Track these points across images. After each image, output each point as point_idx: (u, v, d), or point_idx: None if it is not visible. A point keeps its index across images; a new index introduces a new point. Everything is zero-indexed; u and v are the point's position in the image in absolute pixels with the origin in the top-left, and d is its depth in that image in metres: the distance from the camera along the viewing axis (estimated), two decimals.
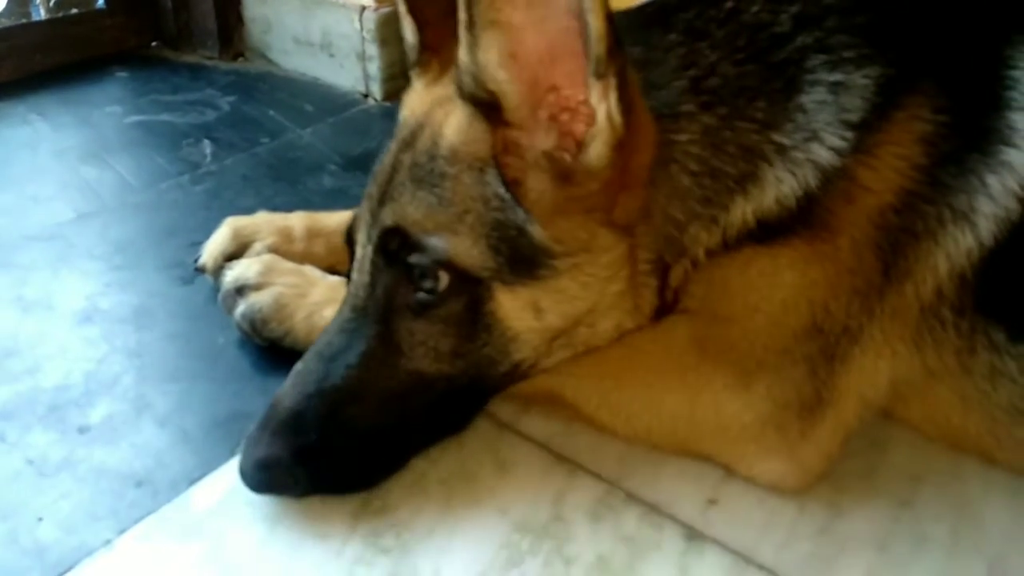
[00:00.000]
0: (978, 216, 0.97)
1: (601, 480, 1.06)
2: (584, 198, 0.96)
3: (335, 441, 0.97)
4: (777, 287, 1.02)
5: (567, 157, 0.93)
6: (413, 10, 1.07)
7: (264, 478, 0.97)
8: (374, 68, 2.11)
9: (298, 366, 1.00)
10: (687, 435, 1.05)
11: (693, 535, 0.99)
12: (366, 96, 2.16)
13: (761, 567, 0.96)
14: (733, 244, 1.04)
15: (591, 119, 0.92)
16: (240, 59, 2.34)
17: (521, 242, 0.95)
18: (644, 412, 1.06)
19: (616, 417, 1.08)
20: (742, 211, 1.02)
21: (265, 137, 1.92)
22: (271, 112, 2.04)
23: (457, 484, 1.05)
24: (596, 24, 0.82)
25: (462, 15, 0.86)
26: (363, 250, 1.02)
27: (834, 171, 0.99)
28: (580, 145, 0.93)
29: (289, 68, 2.28)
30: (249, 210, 1.56)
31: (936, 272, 0.99)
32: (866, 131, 1.00)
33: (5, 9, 2.15)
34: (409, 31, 1.09)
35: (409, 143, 1.01)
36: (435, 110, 1.01)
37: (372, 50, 2.09)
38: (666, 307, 1.10)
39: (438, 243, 0.95)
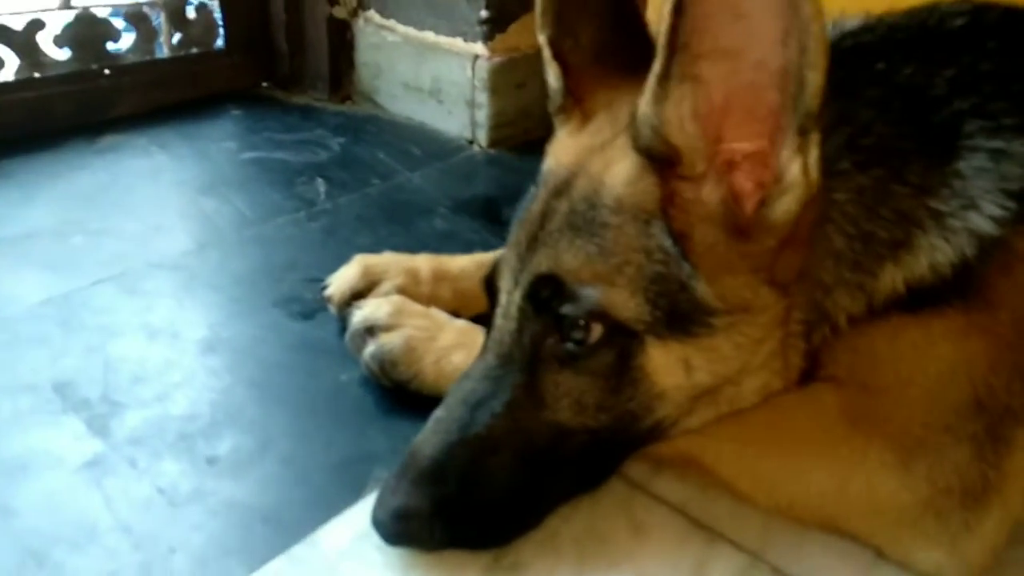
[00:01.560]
0: None
1: (743, 551, 1.01)
2: (756, 256, 0.93)
3: (475, 493, 0.94)
4: (932, 359, 0.96)
5: (742, 213, 0.91)
6: (558, 55, 1.06)
7: (401, 529, 0.94)
8: (482, 116, 2.13)
9: (439, 413, 0.98)
10: (835, 512, 0.99)
11: None
12: (471, 143, 2.17)
13: None
14: (878, 312, 0.99)
15: (760, 174, 0.90)
16: (348, 102, 2.39)
17: (681, 297, 0.92)
18: (789, 483, 1.01)
19: (758, 487, 1.03)
20: (892, 278, 0.98)
21: (376, 178, 1.94)
22: (380, 154, 2.07)
23: (590, 545, 1.01)
24: (816, 80, 0.80)
25: (657, 67, 0.84)
26: (509, 296, 0.99)
27: (992, 241, 0.95)
28: (762, 201, 0.90)
29: (396, 112, 2.31)
30: (365, 248, 1.57)
31: None
32: None
33: (131, 46, 2.23)
34: (553, 76, 1.07)
35: (562, 191, 0.99)
36: (590, 158, 0.99)
37: (482, 98, 2.11)
38: (807, 373, 1.05)
39: (594, 293, 0.92)
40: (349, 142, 2.13)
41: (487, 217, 1.80)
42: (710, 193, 0.91)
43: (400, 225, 1.74)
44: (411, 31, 2.24)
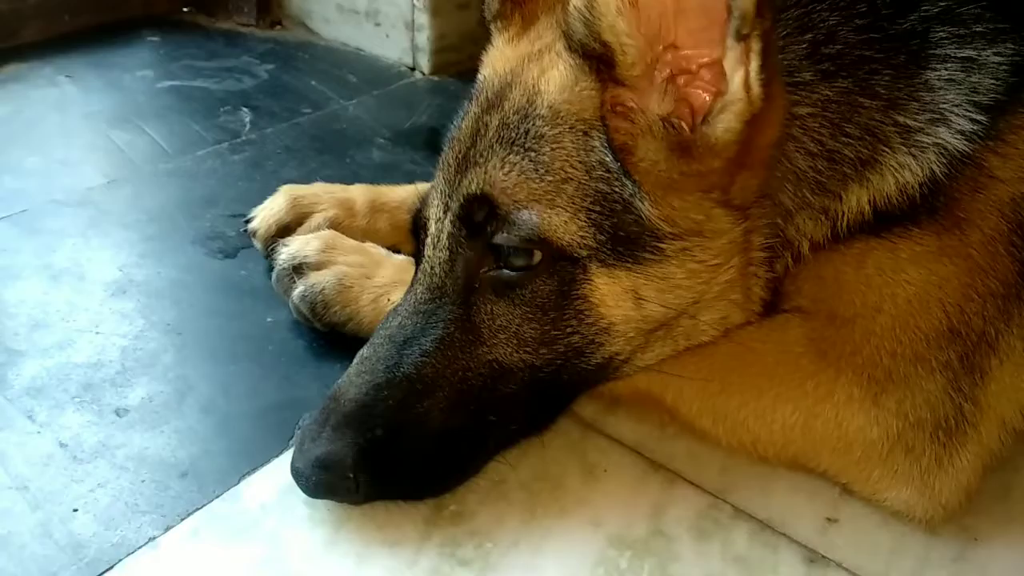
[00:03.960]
0: None
1: (704, 492, 0.94)
2: (702, 175, 0.84)
3: (405, 439, 0.85)
4: (901, 284, 0.90)
5: (686, 127, 0.82)
6: None
7: (323, 480, 0.84)
8: (423, 39, 1.99)
9: (364, 351, 0.88)
10: (801, 449, 0.93)
11: (814, 558, 0.88)
12: (413, 69, 2.03)
13: None
14: (843, 237, 0.92)
15: (717, 86, 0.80)
16: (278, 27, 2.22)
17: (626, 219, 0.84)
18: (753, 420, 0.94)
19: (720, 424, 0.95)
20: (857, 200, 0.91)
21: (307, 107, 1.80)
22: (312, 82, 1.92)
23: (541, 490, 0.93)
24: None
25: None
26: (439, 224, 0.90)
27: (962, 157, 0.89)
28: (704, 115, 0.81)
29: (330, 38, 2.15)
30: (293, 181, 1.44)
31: None
32: (998, 114, 0.89)
33: None
34: None
35: (495, 104, 0.89)
36: (526, 66, 0.90)
37: (422, 20, 1.97)
38: (771, 305, 0.98)
39: (531, 217, 0.83)
40: (278, 69, 1.98)
41: (430, 148, 1.67)
42: (656, 104, 0.82)
43: (333, 156, 1.62)
44: None
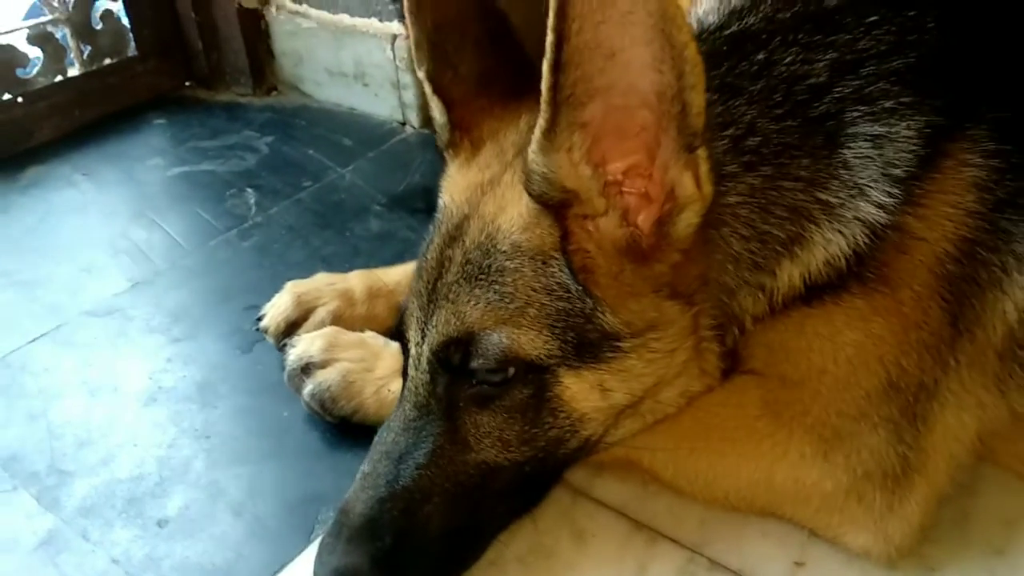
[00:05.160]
0: None
1: (682, 547, 1.04)
2: (659, 275, 0.93)
3: (412, 543, 0.95)
4: (840, 347, 0.98)
5: (642, 236, 0.90)
6: (439, 90, 1.03)
7: None
8: (409, 96, 2.09)
9: (365, 467, 0.99)
10: (767, 502, 1.03)
11: None
12: (403, 124, 2.13)
13: None
14: (779, 309, 1.00)
15: (657, 192, 0.89)
16: (274, 93, 2.33)
17: (587, 328, 0.93)
18: (721, 479, 1.04)
19: (694, 484, 1.06)
20: (788, 275, 0.99)
21: (307, 180, 1.91)
22: (310, 151, 2.03)
23: (535, 561, 1.04)
24: (697, 101, 0.79)
25: (542, 121, 0.82)
26: (417, 348, 0.99)
27: (884, 226, 0.95)
28: (661, 219, 0.90)
29: (323, 99, 2.26)
30: (299, 263, 1.58)
31: (1005, 318, 0.96)
32: (914, 183, 0.95)
33: (41, 68, 2.15)
34: (437, 111, 1.05)
35: (456, 237, 0.97)
36: (482, 200, 0.97)
37: (406, 78, 2.06)
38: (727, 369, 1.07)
39: (500, 339, 0.92)
40: (278, 140, 2.09)
41: (425, 211, 1.77)
42: (607, 223, 0.91)
43: (334, 231, 1.73)
44: (324, 15, 2.17)
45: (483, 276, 0.93)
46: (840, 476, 0.97)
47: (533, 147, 0.85)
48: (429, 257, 1.00)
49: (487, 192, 0.97)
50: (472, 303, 0.93)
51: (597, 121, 0.83)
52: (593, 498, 1.11)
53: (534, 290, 0.92)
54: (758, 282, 0.99)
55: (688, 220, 0.90)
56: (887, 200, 0.95)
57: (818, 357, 0.99)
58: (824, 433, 0.98)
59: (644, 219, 0.91)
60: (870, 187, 0.96)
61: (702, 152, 0.85)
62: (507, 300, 0.92)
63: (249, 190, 1.88)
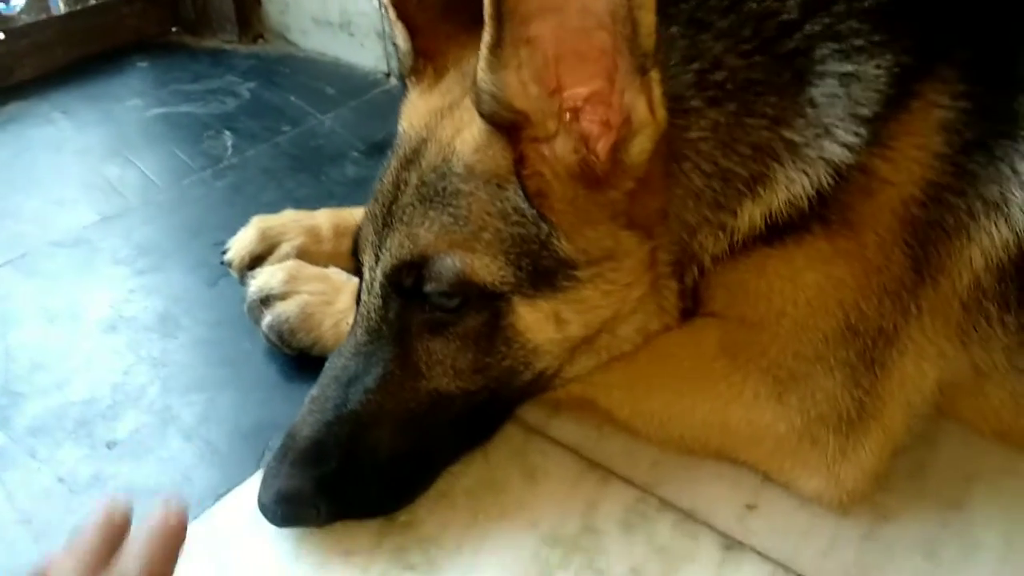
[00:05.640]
0: (1012, 206, 0.91)
1: (634, 486, 1.03)
2: (614, 203, 0.91)
3: (358, 468, 0.94)
4: (800, 289, 0.96)
5: (597, 160, 0.88)
6: (403, 16, 1.01)
7: (286, 511, 0.94)
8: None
9: (313, 391, 0.97)
10: (721, 444, 1.01)
11: (731, 544, 0.96)
12: (388, 75, 2.10)
13: None
14: (739, 249, 0.98)
15: (611, 117, 0.87)
16: (260, 41, 2.30)
17: (543, 255, 0.91)
18: (676, 420, 1.02)
19: (649, 424, 1.04)
20: (750, 215, 0.97)
21: (286, 125, 1.89)
22: (292, 98, 2.00)
23: (485, 495, 1.03)
24: (647, 20, 0.78)
25: (487, 36, 0.80)
26: (371, 272, 0.97)
27: (849, 167, 0.94)
28: (614, 144, 0.88)
29: (309, 49, 2.23)
30: (272, 204, 1.54)
31: (971, 266, 0.94)
32: (881, 123, 0.94)
33: (25, 5, 2.12)
34: (401, 38, 1.03)
35: (412, 160, 0.96)
36: (439, 123, 0.96)
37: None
38: (688, 310, 1.05)
39: (454, 263, 0.90)
40: (260, 87, 2.06)
41: None
42: (562, 147, 0.89)
43: (309, 174, 1.71)
44: None
45: (438, 198, 0.91)
46: (794, 418, 0.96)
47: (481, 64, 0.83)
48: (385, 181, 0.98)
49: (445, 116, 0.95)
50: (426, 225, 0.91)
51: (548, 40, 0.81)
52: (547, 436, 1.10)
53: (489, 214, 0.90)
54: (719, 221, 0.97)
55: (641, 146, 0.88)
56: (853, 140, 0.93)
57: (777, 298, 0.97)
58: (779, 375, 0.96)
59: (603, 146, 0.89)
60: (836, 126, 0.94)
61: (654, 75, 0.83)
62: (461, 223, 0.90)
63: (227, 132, 1.86)
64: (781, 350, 0.97)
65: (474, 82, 0.87)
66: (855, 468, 0.95)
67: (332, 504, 0.94)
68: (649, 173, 0.91)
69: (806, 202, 0.94)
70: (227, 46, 2.28)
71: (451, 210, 0.91)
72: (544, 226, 0.90)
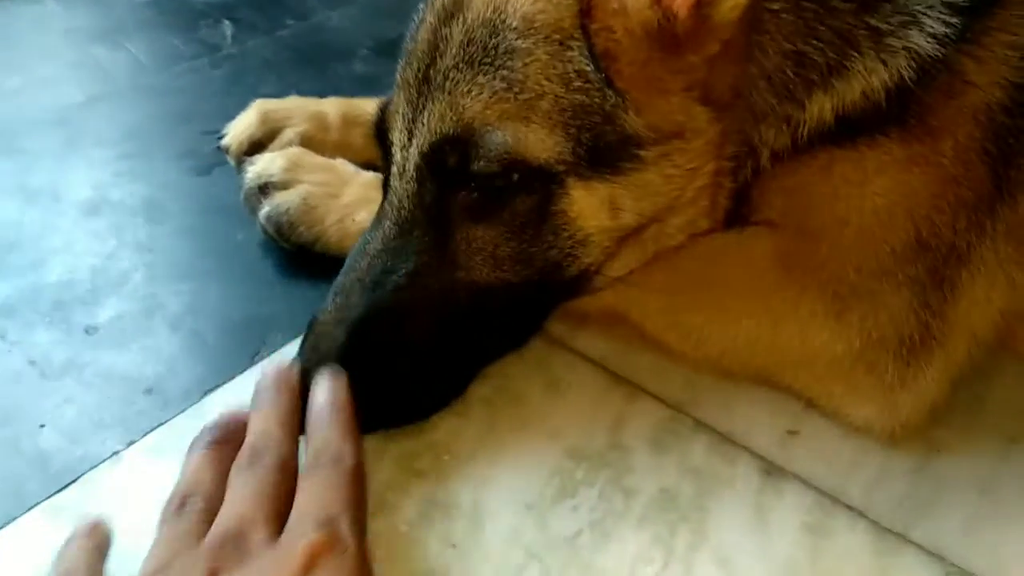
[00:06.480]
0: None
1: (665, 405, 0.94)
2: (692, 69, 0.81)
3: (391, 373, 0.84)
4: (868, 196, 0.86)
5: (677, 17, 0.77)
6: None
7: None
8: None
9: (337, 299, 0.86)
10: (766, 363, 0.92)
11: (771, 470, 0.87)
12: None
13: (849, 508, 0.84)
14: (803, 146, 0.88)
15: None
16: None
17: (606, 130, 0.80)
18: (719, 335, 0.92)
19: (686, 340, 0.94)
20: (819, 108, 0.86)
21: (290, 19, 1.75)
22: None
23: (503, 404, 0.93)
24: None
25: None
26: (403, 152, 0.86)
27: (934, 62, 0.83)
28: (701, 2, 0.77)
29: None
30: (271, 96, 1.42)
31: None
32: (974, 15, 0.83)
33: None
34: None
35: (453, 12, 0.83)
36: None
37: None
38: (734, 215, 0.95)
39: (505, 138, 0.79)
40: None
41: None
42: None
43: (314, 69, 1.58)
44: None
45: (488, 59, 0.80)
46: (853, 338, 0.86)
47: None
48: (420, 39, 0.86)
49: None
50: (474, 92, 0.80)
51: None
52: (572, 349, 1.00)
53: (548, 79, 0.79)
54: (785, 112, 0.87)
55: (734, 1, 0.77)
56: (942, 30, 0.83)
57: (842, 206, 0.87)
58: (840, 290, 0.87)
59: (681, 2, 0.78)
60: (926, 15, 0.83)
61: None
62: (516, 89, 0.79)
63: (226, 22, 1.72)
64: (843, 263, 0.87)
65: None
66: (913, 397, 0.87)
67: (365, 413, 0.83)
68: (734, 38, 0.81)
69: (883, 97, 0.84)
70: None
71: (504, 73, 0.79)
72: (611, 94, 0.80)
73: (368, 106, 1.27)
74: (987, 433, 0.92)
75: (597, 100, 0.80)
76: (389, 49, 1.63)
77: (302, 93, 1.46)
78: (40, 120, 1.40)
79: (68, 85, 1.50)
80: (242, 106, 1.32)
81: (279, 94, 1.44)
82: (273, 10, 1.78)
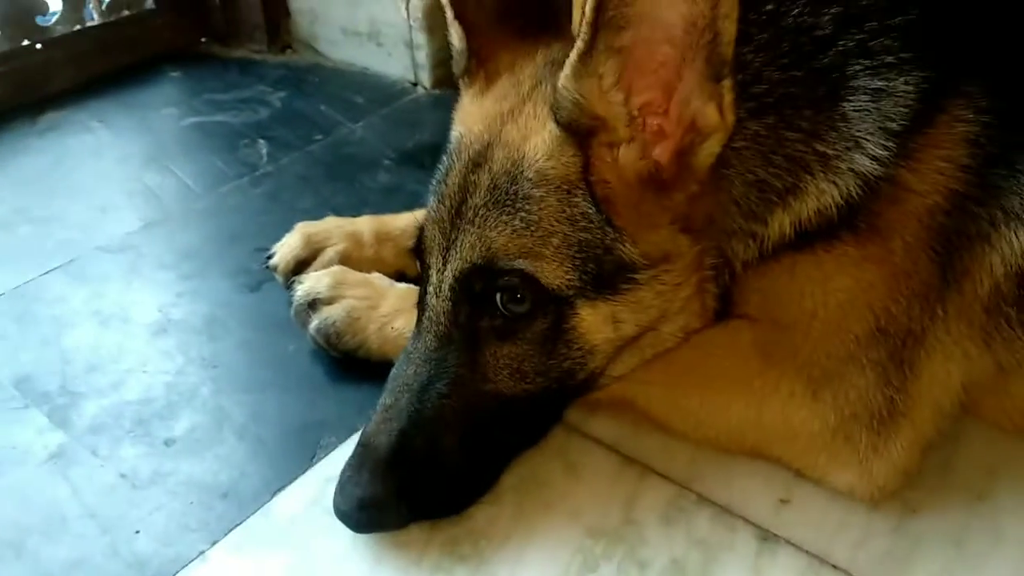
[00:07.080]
0: None
1: (672, 482, 1.07)
2: (676, 205, 0.96)
3: (432, 473, 0.98)
4: (830, 292, 1.01)
5: (663, 165, 0.93)
6: (460, 16, 1.06)
7: (367, 517, 0.99)
8: (422, 56, 2.11)
9: (386, 400, 1.01)
10: (756, 441, 1.06)
11: (766, 536, 1.00)
12: (415, 84, 2.16)
13: (835, 567, 0.97)
14: (768, 255, 1.03)
15: (678, 130, 0.92)
16: (288, 51, 2.35)
17: (606, 259, 0.96)
18: (713, 418, 1.07)
19: (686, 423, 1.09)
20: (780, 223, 1.02)
21: (318, 134, 1.94)
22: (322, 107, 2.06)
23: (530, 490, 1.07)
24: (730, 30, 0.83)
25: (581, 44, 0.85)
26: (439, 275, 1.01)
27: (877, 178, 0.98)
28: (683, 148, 0.92)
29: (337, 59, 2.28)
30: (308, 211, 1.60)
31: (992, 272, 0.99)
32: (908, 137, 0.98)
33: (60, 16, 2.18)
34: (456, 37, 1.07)
35: (479, 163, 0.99)
36: (503, 128, 1.00)
37: (420, 38, 2.09)
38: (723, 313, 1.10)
39: (524, 267, 0.95)
40: (290, 96, 2.12)
41: (433, 166, 1.79)
42: (629, 153, 0.94)
43: (344, 182, 1.76)
44: None
45: (510, 202, 0.96)
46: (828, 415, 1.00)
47: (567, 72, 0.89)
48: (450, 183, 1.02)
49: (508, 121, 0.99)
50: (499, 228, 0.96)
51: (628, 49, 0.86)
52: (587, 435, 1.14)
53: (558, 220, 0.95)
54: (751, 229, 1.02)
55: (710, 149, 0.93)
56: (882, 153, 0.98)
57: (809, 301, 1.02)
58: (813, 373, 1.01)
59: (660, 152, 0.94)
60: (866, 140, 0.98)
61: (727, 82, 0.88)
62: (531, 228, 0.95)
63: (261, 141, 1.91)
64: (814, 350, 1.01)
65: (554, 90, 0.92)
66: (887, 464, 1.00)
67: (411, 508, 0.99)
68: (708, 177, 0.96)
69: (834, 211, 0.99)
70: (256, 56, 2.34)
71: (523, 215, 0.95)
72: (610, 230, 0.95)
73: (396, 222, 1.45)
74: (958, 492, 1.05)
75: (599, 236, 0.95)
76: (408, 159, 1.83)
77: (335, 205, 1.65)
78: (104, 247, 1.57)
79: (126, 212, 1.68)
80: (283, 222, 1.50)
81: (315, 208, 1.64)
82: (302, 127, 1.96)
